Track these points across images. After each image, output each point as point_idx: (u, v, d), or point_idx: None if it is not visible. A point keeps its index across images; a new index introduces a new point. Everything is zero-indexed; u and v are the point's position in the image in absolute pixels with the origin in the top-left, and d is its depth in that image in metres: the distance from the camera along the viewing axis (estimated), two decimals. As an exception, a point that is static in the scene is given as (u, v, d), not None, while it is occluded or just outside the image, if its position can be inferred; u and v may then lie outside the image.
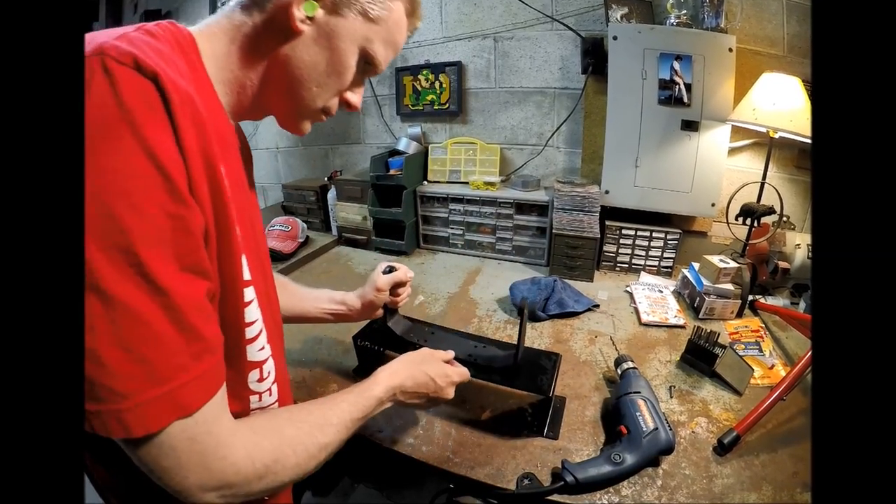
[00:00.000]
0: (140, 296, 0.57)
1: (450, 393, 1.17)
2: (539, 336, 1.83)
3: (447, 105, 2.82)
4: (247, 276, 0.79)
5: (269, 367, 0.90)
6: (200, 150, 0.64)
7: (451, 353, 1.24)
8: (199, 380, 0.64)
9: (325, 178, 3.13)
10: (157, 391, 0.59)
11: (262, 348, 0.87)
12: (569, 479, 1.10)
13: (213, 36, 0.81)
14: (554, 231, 2.30)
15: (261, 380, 0.88)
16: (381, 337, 1.49)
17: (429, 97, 2.85)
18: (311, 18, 0.81)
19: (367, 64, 0.90)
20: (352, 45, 0.86)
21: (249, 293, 0.81)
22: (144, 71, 0.59)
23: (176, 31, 0.75)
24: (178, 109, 0.61)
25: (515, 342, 1.31)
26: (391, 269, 1.44)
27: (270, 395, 0.91)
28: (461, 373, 1.21)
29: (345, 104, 0.95)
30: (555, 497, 1.11)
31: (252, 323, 0.83)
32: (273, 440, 0.76)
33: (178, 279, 0.61)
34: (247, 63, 0.83)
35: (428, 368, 1.14)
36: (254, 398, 0.88)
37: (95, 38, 0.60)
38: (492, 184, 2.58)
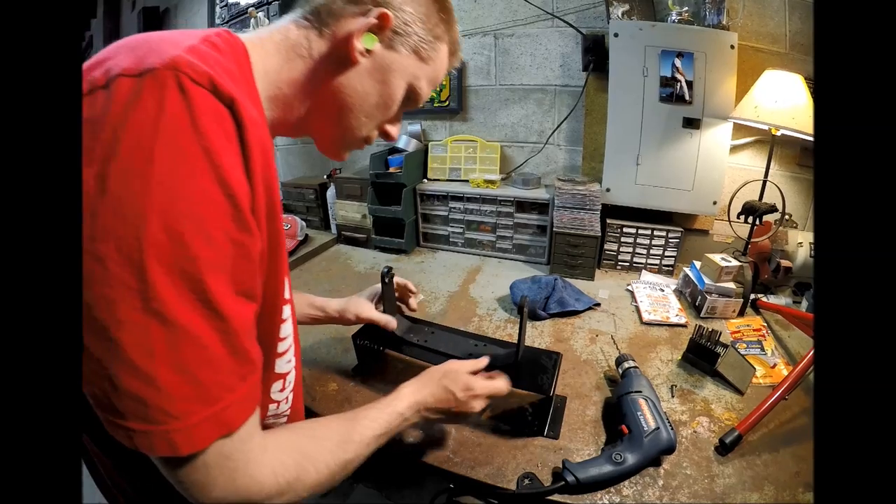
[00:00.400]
0: (201, 321, 0.58)
1: (475, 406, 1.15)
2: (540, 335, 1.83)
3: (447, 102, 2.82)
4: (287, 294, 0.81)
5: (292, 377, 0.91)
6: (264, 176, 0.66)
7: (482, 362, 1.23)
8: (243, 399, 0.65)
9: (325, 176, 3.13)
10: (206, 412, 0.60)
11: (290, 361, 0.89)
12: (570, 478, 1.10)
13: (266, 50, 0.83)
14: (554, 229, 2.29)
15: (282, 389, 0.89)
16: (380, 336, 1.48)
17: (428, 94, 2.82)
18: (368, 51, 0.85)
19: (409, 99, 0.96)
20: (401, 81, 0.91)
21: (287, 311, 0.83)
22: (221, 96, 0.60)
23: (233, 42, 0.77)
24: (251, 138, 0.62)
25: (516, 341, 1.31)
26: (389, 270, 1.44)
27: (287, 402, 0.92)
28: (490, 386, 1.18)
29: (383, 134, 1.00)
30: (556, 497, 1.11)
31: (284, 338, 0.85)
32: (296, 457, 0.76)
33: (234, 303, 0.62)
34: (298, 84, 0.85)
35: (448, 383, 1.13)
36: (272, 406, 0.89)
37: (163, 49, 0.61)
38: (492, 182, 2.58)
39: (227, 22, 3.28)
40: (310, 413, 1.30)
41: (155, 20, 4.69)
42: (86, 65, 0.64)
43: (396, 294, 1.53)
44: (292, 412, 0.96)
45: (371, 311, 1.44)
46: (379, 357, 1.59)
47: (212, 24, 3.58)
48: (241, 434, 0.65)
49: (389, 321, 1.45)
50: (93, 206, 0.53)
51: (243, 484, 0.66)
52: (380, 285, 1.51)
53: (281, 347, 0.84)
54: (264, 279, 0.71)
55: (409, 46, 0.89)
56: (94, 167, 0.53)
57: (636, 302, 2.05)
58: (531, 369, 1.33)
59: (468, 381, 1.15)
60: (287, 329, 0.84)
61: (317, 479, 0.78)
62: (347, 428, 0.89)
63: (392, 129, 1.00)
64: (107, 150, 0.54)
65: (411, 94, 0.95)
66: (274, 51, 0.83)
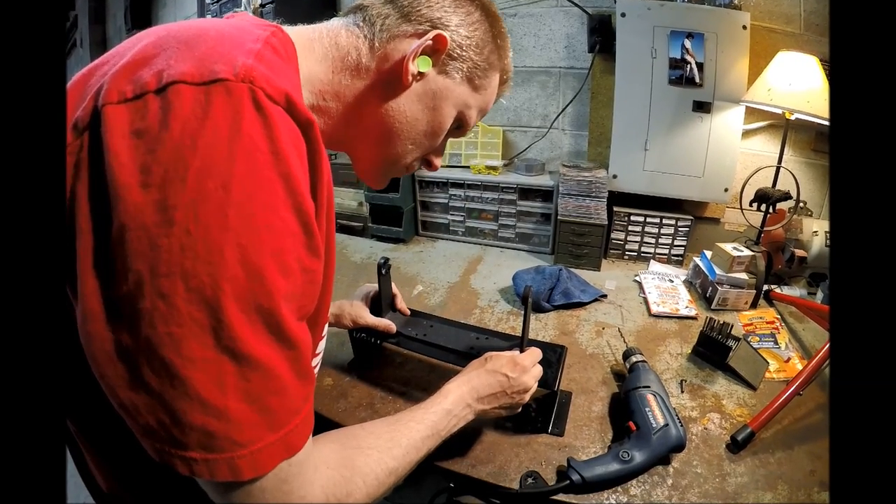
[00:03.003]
0: (274, 353, 0.58)
1: (529, 381, 1.15)
2: (544, 328, 1.83)
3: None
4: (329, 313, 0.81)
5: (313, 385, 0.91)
6: (327, 200, 0.66)
7: (527, 353, 1.22)
8: (305, 419, 0.65)
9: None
10: (274, 436, 0.59)
11: (316, 374, 0.89)
12: (575, 477, 1.10)
13: (314, 54, 0.81)
14: (559, 217, 2.29)
15: None
16: (378, 329, 1.48)
17: (428, 77, 2.80)
18: (421, 74, 0.84)
19: (457, 128, 0.96)
20: (452, 109, 0.91)
21: (325, 328, 0.84)
22: (298, 117, 0.59)
23: (287, 44, 0.74)
24: (322, 161, 0.62)
25: (519, 334, 1.31)
26: (386, 261, 1.44)
27: None
28: (534, 354, 1.21)
29: (426, 164, 1.00)
30: (560, 496, 1.11)
31: (319, 353, 0.86)
32: (345, 473, 0.76)
33: (299, 329, 0.62)
34: (344, 99, 0.84)
35: (494, 366, 1.13)
36: None
37: (227, 53, 0.59)
38: (494, 168, 2.56)
39: (217, 1, 3.26)
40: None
41: (143, 1, 4.67)
42: (116, 55, 0.63)
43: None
44: None
45: (369, 317, 1.44)
46: (376, 351, 1.59)
47: (202, 6, 3.56)
48: (300, 455, 0.65)
49: (389, 325, 1.45)
50: (152, 238, 0.51)
51: None
52: (370, 285, 1.52)
53: (314, 362, 0.84)
54: (319, 301, 0.71)
55: (463, 72, 0.89)
56: (153, 193, 0.51)
57: (644, 293, 2.05)
58: (535, 363, 1.32)
59: (513, 356, 1.16)
60: (322, 344, 0.86)
61: (366, 492, 0.77)
62: (393, 433, 0.89)
63: (436, 160, 1.00)
64: (170, 174, 0.51)
65: (460, 122, 0.95)
66: (322, 56, 0.82)
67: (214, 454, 0.55)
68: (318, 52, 0.82)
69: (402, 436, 0.89)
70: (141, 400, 0.54)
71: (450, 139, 1.01)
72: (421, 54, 0.82)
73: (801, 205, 2.07)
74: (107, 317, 0.53)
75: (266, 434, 0.58)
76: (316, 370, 0.87)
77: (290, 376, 0.60)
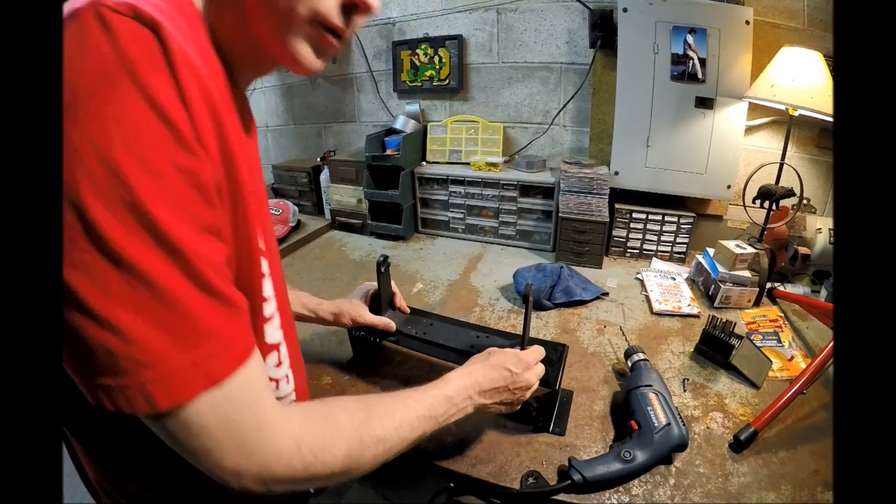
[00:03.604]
0: (155, 259, 0.55)
1: (531, 378, 1.14)
2: (545, 326, 1.83)
3: (447, 81, 2.80)
4: (261, 245, 0.77)
5: (284, 351, 0.88)
6: (205, 100, 0.61)
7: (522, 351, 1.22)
8: (227, 347, 0.62)
9: (318, 159, 3.11)
10: (184, 359, 0.57)
11: (279, 328, 0.85)
12: (576, 477, 1.10)
13: None
14: (560, 215, 2.30)
15: (278, 364, 0.86)
16: (377, 328, 1.48)
17: (427, 73, 2.82)
18: None
19: None
20: None
21: (265, 265, 0.78)
22: (143, 20, 0.56)
23: None
24: (178, 60, 0.58)
25: (520, 332, 1.31)
26: (385, 259, 1.44)
27: (288, 381, 0.89)
28: (537, 351, 1.21)
29: (350, 3, 0.73)
30: (561, 496, 1.11)
31: (268, 300, 0.81)
32: (323, 426, 0.74)
33: (196, 240, 0.59)
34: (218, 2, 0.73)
35: (497, 360, 1.13)
36: (271, 385, 0.84)
37: None
38: (494, 164, 2.57)
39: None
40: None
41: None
42: None
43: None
44: (298, 396, 0.93)
45: (368, 315, 1.44)
46: (375, 350, 1.59)
47: None
48: (237, 392, 0.63)
49: (388, 324, 1.45)
50: None
51: (258, 451, 0.64)
52: (369, 283, 1.52)
53: (266, 310, 0.80)
54: (230, 218, 0.67)
55: None
56: None
57: (646, 291, 2.05)
58: (536, 362, 1.32)
59: (516, 352, 1.16)
60: (269, 289, 0.80)
61: (347, 452, 0.75)
62: (387, 404, 0.87)
63: None
64: None
65: None
66: None
67: (123, 378, 0.54)
68: None
69: (396, 409, 0.88)
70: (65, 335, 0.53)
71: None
72: None
73: (805, 202, 2.07)
74: None
75: (174, 355, 0.57)
76: (274, 321, 0.83)
77: (184, 289, 0.58)
